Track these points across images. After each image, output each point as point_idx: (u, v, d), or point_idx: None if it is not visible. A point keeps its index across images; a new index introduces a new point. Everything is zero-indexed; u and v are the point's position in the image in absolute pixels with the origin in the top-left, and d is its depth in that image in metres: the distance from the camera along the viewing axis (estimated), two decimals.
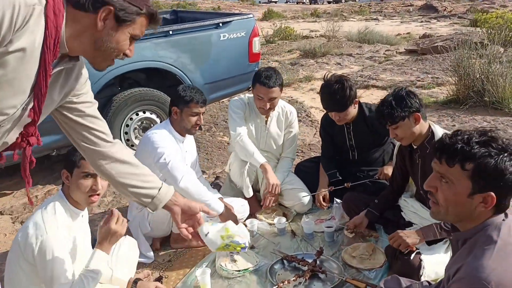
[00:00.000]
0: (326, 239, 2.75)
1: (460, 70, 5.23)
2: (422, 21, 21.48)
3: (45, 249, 1.76)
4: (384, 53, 9.52)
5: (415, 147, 2.40)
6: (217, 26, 4.30)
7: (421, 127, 2.33)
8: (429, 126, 2.37)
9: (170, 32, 3.95)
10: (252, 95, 3.13)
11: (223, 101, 5.63)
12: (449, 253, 2.21)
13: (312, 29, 16.28)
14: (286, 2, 55.67)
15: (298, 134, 3.37)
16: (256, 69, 4.70)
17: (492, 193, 1.25)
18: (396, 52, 9.54)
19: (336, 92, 2.77)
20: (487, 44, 6.54)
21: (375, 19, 23.27)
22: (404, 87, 2.42)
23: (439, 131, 2.29)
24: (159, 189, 1.58)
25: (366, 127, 2.95)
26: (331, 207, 3.07)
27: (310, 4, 50.11)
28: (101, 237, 1.93)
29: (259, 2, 50.09)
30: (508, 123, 4.61)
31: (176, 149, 2.68)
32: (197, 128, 2.75)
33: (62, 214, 1.89)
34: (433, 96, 5.88)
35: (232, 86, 4.59)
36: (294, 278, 2.33)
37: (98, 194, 1.95)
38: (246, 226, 2.87)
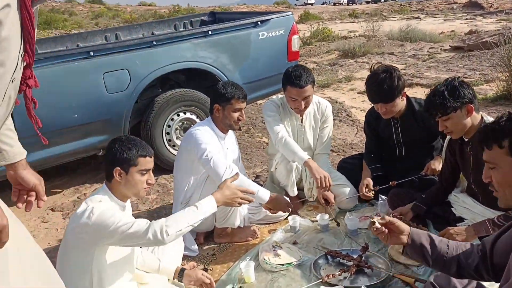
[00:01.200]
0: (372, 235, 2.67)
1: (510, 64, 4.98)
2: (466, 19, 20.71)
3: (101, 216, 1.79)
4: (428, 51, 9.23)
5: (466, 139, 2.30)
6: (255, 24, 4.31)
7: (474, 119, 2.23)
8: (482, 118, 2.27)
9: (209, 32, 4.00)
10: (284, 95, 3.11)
11: (260, 103, 5.63)
12: None
13: (350, 29, 16.03)
14: (323, 4, 55.27)
15: (332, 129, 3.28)
16: None
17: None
18: (441, 49, 9.22)
19: (383, 82, 2.68)
20: None
21: (416, 17, 22.64)
22: (457, 77, 2.32)
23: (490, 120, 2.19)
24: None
25: (415, 122, 2.85)
26: (376, 204, 2.99)
27: (347, 5, 49.47)
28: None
29: (295, 5, 49.96)
30: None
31: (218, 146, 2.70)
32: (239, 123, 2.75)
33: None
34: (481, 93, 5.64)
35: (271, 86, 4.56)
36: (339, 272, 2.28)
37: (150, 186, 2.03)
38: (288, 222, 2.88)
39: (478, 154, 2.16)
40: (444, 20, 20.08)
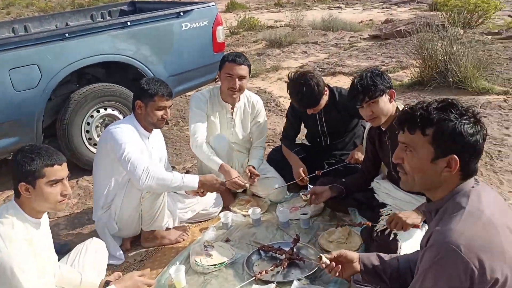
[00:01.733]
0: (302, 226, 2.69)
1: (423, 52, 5.27)
2: (383, 8, 21.73)
3: (5, 266, 1.61)
4: (348, 40, 9.55)
5: (383, 129, 2.37)
6: (178, 15, 4.15)
7: (392, 107, 2.30)
8: (397, 107, 2.35)
9: (128, 23, 3.79)
10: (216, 85, 3.06)
11: (189, 94, 5.49)
12: None
13: (276, 19, 16.16)
14: None
15: (266, 123, 3.28)
16: None
17: (455, 156, 1.24)
18: (360, 38, 9.57)
19: (304, 95, 2.74)
20: (448, 26, 6.63)
21: (337, 7, 23.34)
22: (376, 67, 2.37)
23: None
24: None
25: (337, 112, 2.91)
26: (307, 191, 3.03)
27: None
28: None
29: None
30: (471, 101, 4.69)
31: (141, 145, 2.54)
32: (164, 122, 2.62)
33: (20, 228, 1.71)
34: (398, 80, 5.91)
35: (198, 78, 4.45)
36: (272, 267, 2.27)
37: (67, 197, 1.81)
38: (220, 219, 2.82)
39: (396, 142, 2.23)
40: (363, 9, 20.91)
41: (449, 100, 1.30)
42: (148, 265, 2.48)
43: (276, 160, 3.17)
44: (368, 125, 2.57)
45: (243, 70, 2.90)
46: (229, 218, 2.80)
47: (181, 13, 4.17)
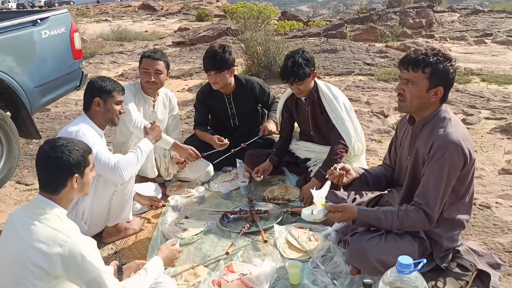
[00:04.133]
0: (243, 192, 3.19)
1: (249, 50, 6.29)
2: (152, 19, 22.71)
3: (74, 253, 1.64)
4: (153, 47, 10.00)
5: (303, 98, 3.08)
6: (35, 23, 3.94)
7: (313, 83, 3.02)
8: (315, 82, 3.05)
9: None
10: (137, 80, 3.32)
11: None
12: None
13: None
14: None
15: (178, 116, 3.61)
16: (80, 66, 4.53)
17: (441, 87, 1.99)
18: (165, 45, 10.16)
19: (217, 53, 3.22)
20: (242, 30, 7.89)
21: (105, 20, 23.16)
22: (303, 50, 2.97)
23: (321, 84, 3.05)
24: None
25: (246, 95, 3.48)
26: (226, 169, 3.52)
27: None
28: None
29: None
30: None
31: (103, 144, 2.59)
32: (119, 117, 2.69)
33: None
34: None
35: (61, 87, 4.29)
36: (247, 224, 2.71)
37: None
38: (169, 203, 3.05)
39: (315, 106, 2.99)
40: (134, 21, 21.39)
41: (438, 49, 1.99)
42: (126, 255, 2.58)
43: (194, 146, 3.52)
44: (282, 98, 3.23)
45: (159, 65, 3.17)
46: (178, 200, 3.07)
47: (38, 21, 3.98)
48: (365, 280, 1.53)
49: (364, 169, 2.35)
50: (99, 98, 2.59)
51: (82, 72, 4.58)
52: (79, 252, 1.64)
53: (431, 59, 1.92)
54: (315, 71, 2.99)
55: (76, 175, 1.76)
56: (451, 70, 1.96)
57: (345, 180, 2.19)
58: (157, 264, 2.08)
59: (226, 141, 3.38)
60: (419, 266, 1.68)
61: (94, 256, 1.69)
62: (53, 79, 4.13)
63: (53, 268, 1.60)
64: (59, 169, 1.75)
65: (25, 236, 1.63)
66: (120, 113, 2.69)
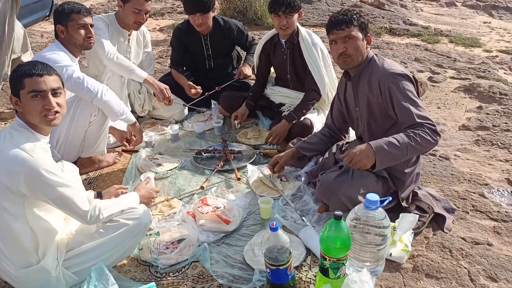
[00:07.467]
0: (216, 133, 3.24)
1: None
2: None
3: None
4: None
5: (283, 41, 3.08)
6: None
7: (295, 26, 2.99)
8: (297, 26, 3.03)
9: None
10: (110, 14, 3.15)
11: None
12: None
13: None
14: None
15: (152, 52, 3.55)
16: None
17: (369, 35, 2.17)
18: None
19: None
20: None
21: None
22: None
23: (302, 29, 3.05)
24: None
25: (223, 36, 3.44)
26: (206, 111, 3.54)
27: None
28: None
29: None
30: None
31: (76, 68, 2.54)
32: (91, 41, 2.59)
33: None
34: None
35: (29, 16, 4.09)
36: (221, 162, 2.79)
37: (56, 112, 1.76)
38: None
39: (294, 49, 3.02)
40: None
41: (358, 8, 2.21)
42: (104, 186, 2.60)
43: (169, 85, 3.48)
44: (261, 41, 3.22)
45: (149, 6, 3.10)
46: (152, 137, 3.09)
47: None
48: (336, 212, 1.64)
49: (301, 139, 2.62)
50: (60, 24, 2.49)
51: (52, 1, 4.36)
52: (40, 169, 1.59)
53: (354, 15, 2.12)
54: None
55: (11, 96, 1.74)
56: (364, 20, 2.17)
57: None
58: (133, 196, 2.09)
59: (199, 89, 3.36)
60: (385, 203, 1.83)
61: (57, 174, 1.64)
62: (21, 6, 3.92)
63: (15, 186, 1.58)
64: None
65: None
66: (89, 37, 2.56)
